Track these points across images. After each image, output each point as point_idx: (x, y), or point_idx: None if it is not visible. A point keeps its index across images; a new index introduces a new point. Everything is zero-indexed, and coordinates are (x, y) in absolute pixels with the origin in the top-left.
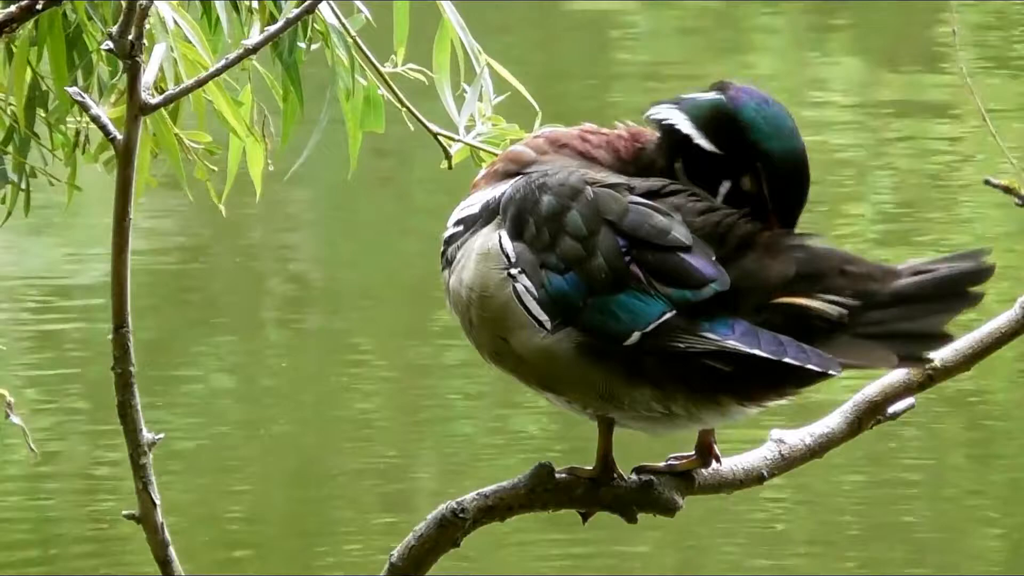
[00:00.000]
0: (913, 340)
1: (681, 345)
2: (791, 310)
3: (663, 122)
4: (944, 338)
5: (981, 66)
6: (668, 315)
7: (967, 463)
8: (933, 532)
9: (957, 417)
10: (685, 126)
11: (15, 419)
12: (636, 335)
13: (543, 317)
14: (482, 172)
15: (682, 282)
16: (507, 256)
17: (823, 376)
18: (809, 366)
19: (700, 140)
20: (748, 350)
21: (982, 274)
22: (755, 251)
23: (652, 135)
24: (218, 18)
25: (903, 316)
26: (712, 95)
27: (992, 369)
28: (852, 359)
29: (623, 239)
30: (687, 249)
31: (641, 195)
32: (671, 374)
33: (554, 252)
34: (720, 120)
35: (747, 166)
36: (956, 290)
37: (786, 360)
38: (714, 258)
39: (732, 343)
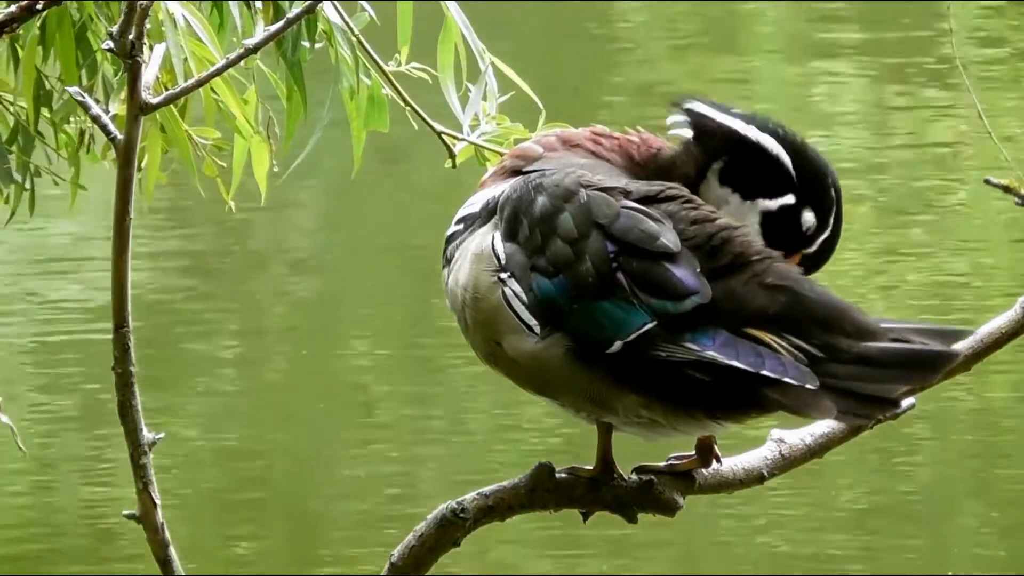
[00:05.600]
0: (860, 399)
1: (662, 354)
2: (757, 343)
3: (721, 121)
4: (891, 404)
5: (983, 68)
6: (648, 326)
7: (967, 463)
8: (933, 532)
9: (957, 417)
10: (766, 140)
11: (3, 418)
12: (618, 344)
13: (532, 321)
14: (491, 170)
15: (664, 292)
16: (498, 258)
17: (799, 391)
18: (786, 379)
19: (783, 156)
20: (727, 361)
21: (948, 358)
22: (746, 273)
23: (665, 141)
24: (229, 13)
25: (860, 376)
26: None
27: (992, 369)
28: (793, 402)
29: (612, 243)
30: (672, 257)
31: (636, 200)
32: (652, 384)
33: (544, 255)
34: (804, 153)
35: (814, 201)
36: (918, 366)
37: (763, 372)
38: (698, 270)
39: (711, 354)
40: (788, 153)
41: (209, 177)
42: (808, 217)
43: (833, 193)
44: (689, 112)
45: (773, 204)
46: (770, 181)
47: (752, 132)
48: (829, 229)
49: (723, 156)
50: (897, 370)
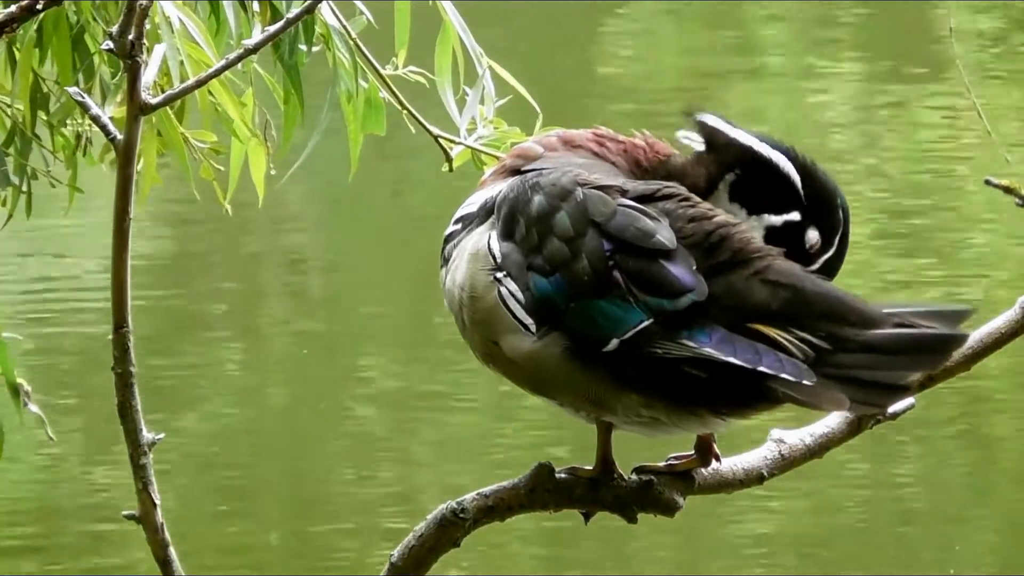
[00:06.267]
0: (872, 388)
1: (659, 351)
2: (761, 339)
3: (735, 136)
4: (903, 390)
5: (985, 68)
6: (645, 323)
7: (967, 463)
8: (932, 532)
9: (957, 417)
10: (778, 157)
11: (33, 408)
12: (615, 342)
13: (528, 321)
14: (491, 169)
15: (660, 290)
16: (494, 257)
17: (797, 388)
18: (783, 375)
19: (792, 173)
20: (723, 358)
21: (955, 341)
22: (746, 270)
23: (671, 147)
24: (225, 20)
25: (868, 364)
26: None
27: (992, 369)
28: (805, 397)
29: (608, 241)
30: (668, 255)
31: (633, 198)
32: (651, 382)
33: (541, 254)
34: (813, 173)
35: (820, 220)
36: (927, 350)
37: (760, 369)
38: (694, 267)
39: (708, 351)
40: (798, 172)
41: (206, 180)
42: (812, 235)
43: (840, 214)
44: (702, 124)
45: (777, 219)
46: (777, 197)
47: (764, 148)
48: (833, 249)
49: (735, 170)
50: (906, 356)
